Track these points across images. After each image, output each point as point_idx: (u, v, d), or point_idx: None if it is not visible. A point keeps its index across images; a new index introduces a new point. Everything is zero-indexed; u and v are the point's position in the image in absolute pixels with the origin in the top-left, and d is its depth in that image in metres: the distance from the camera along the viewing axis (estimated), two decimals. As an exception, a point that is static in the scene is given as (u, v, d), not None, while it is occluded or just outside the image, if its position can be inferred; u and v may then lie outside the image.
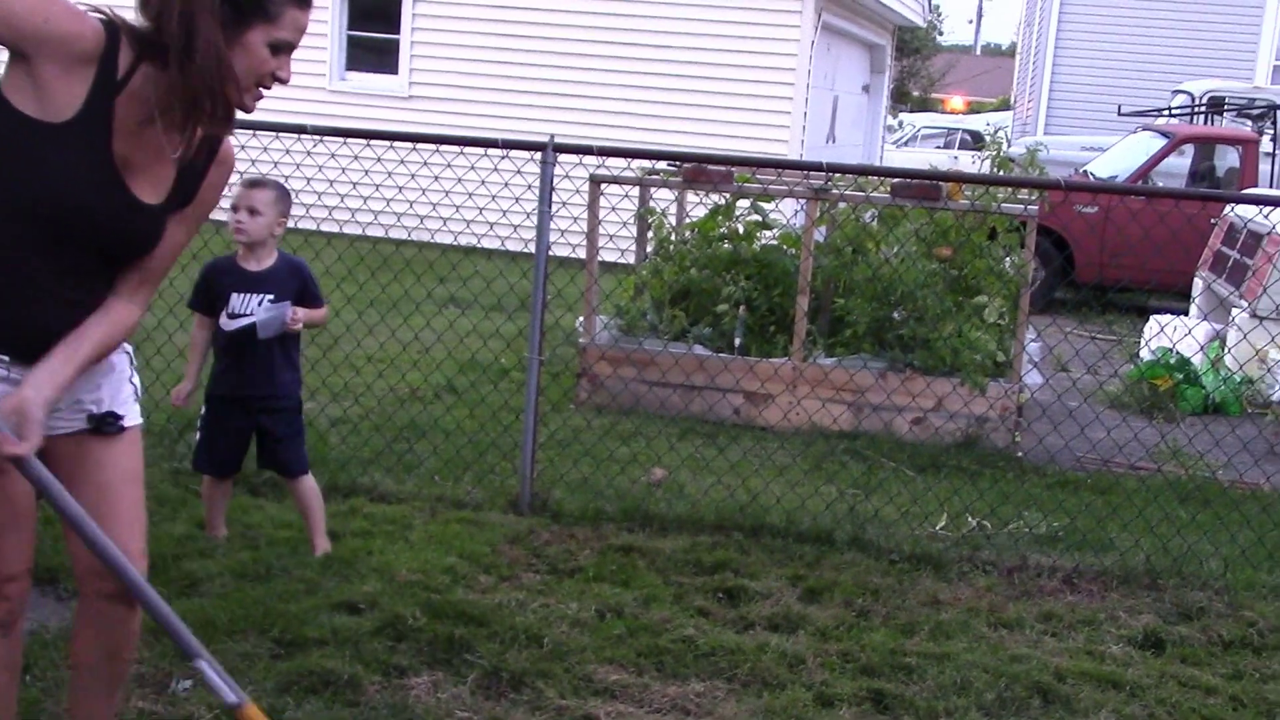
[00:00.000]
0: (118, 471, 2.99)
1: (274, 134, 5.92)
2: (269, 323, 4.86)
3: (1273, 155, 15.11)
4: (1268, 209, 9.33)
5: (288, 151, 6.19)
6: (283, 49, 2.71)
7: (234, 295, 4.91)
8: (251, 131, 5.75)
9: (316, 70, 15.42)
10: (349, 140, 6.24)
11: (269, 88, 2.75)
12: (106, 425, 2.94)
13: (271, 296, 4.90)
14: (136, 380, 3.06)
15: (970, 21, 67.39)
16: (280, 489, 5.56)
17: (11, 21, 2.52)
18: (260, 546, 5.07)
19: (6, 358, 2.74)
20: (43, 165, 2.60)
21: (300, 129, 5.90)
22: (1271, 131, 15.55)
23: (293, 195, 5.05)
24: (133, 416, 3.03)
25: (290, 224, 5.03)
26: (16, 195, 2.61)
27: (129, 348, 3.03)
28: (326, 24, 15.35)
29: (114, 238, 2.75)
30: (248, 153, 6.14)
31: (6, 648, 3.02)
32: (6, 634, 3.00)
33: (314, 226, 6.94)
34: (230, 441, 5.07)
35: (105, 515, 2.85)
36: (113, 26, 2.63)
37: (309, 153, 6.27)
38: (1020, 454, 7.42)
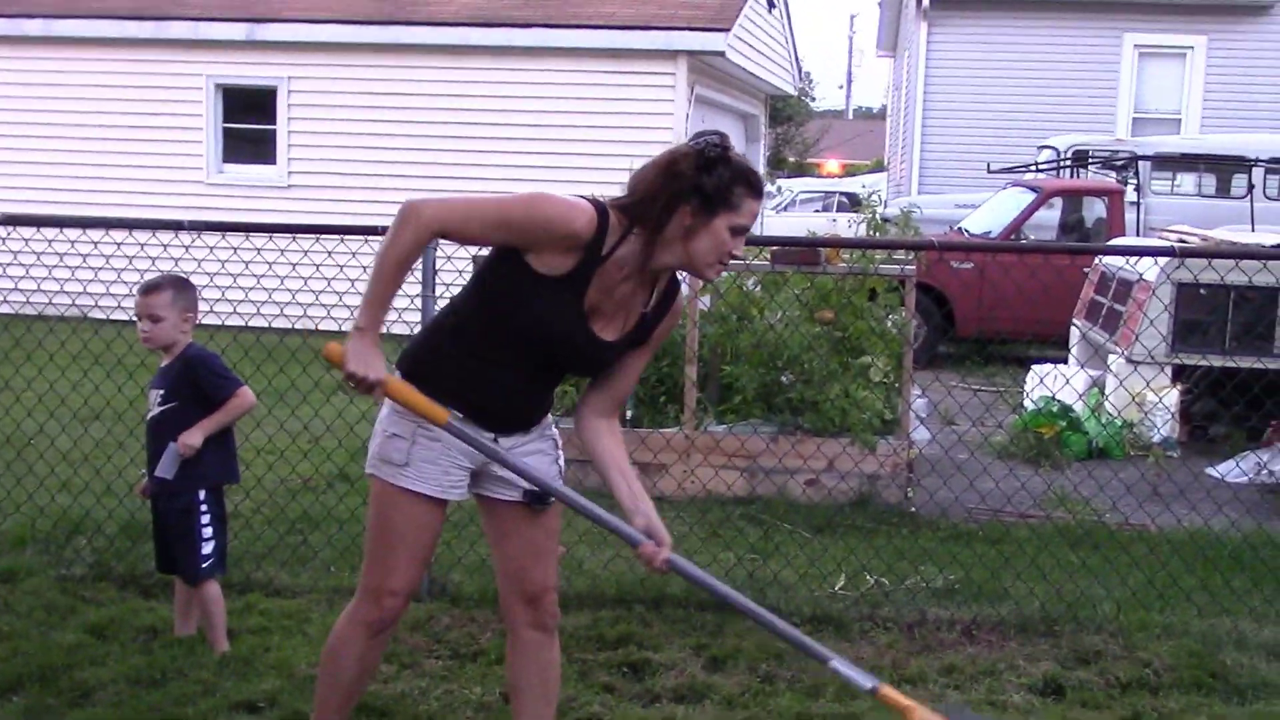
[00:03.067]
0: (546, 531, 3.80)
1: (150, 231, 5.87)
2: (166, 465, 4.82)
3: (1137, 204, 15.56)
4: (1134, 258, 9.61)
5: (165, 247, 6.13)
6: (740, 231, 3.37)
7: (150, 390, 4.96)
8: (128, 230, 5.71)
9: (193, 164, 15.36)
10: (228, 234, 6.19)
11: (726, 263, 3.43)
12: (539, 502, 3.70)
13: (163, 392, 4.88)
14: (561, 462, 3.80)
15: (841, 87, 68.71)
16: (173, 589, 5.46)
17: (515, 232, 3.34)
18: (155, 650, 4.97)
19: (492, 435, 3.55)
20: (535, 301, 3.38)
21: (178, 225, 5.84)
22: (1135, 181, 16.02)
23: (129, 289, 5.00)
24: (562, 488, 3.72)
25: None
26: (513, 320, 3.42)
27: (556, 432, 3.79)
28: (201, 117, 15.29)
29: (573, 360, 3.55)
30: (124, 250, 6.08)
31: (367, 648, 3.70)
32: (373, 637, 3.68)
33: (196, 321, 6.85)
34: (156, 537, 5.08)
35: (537, 560, 3.76)
36: (604, 210, 3.36)
37: (187, 248, 6.21)
38: (913, 509, 7.52)
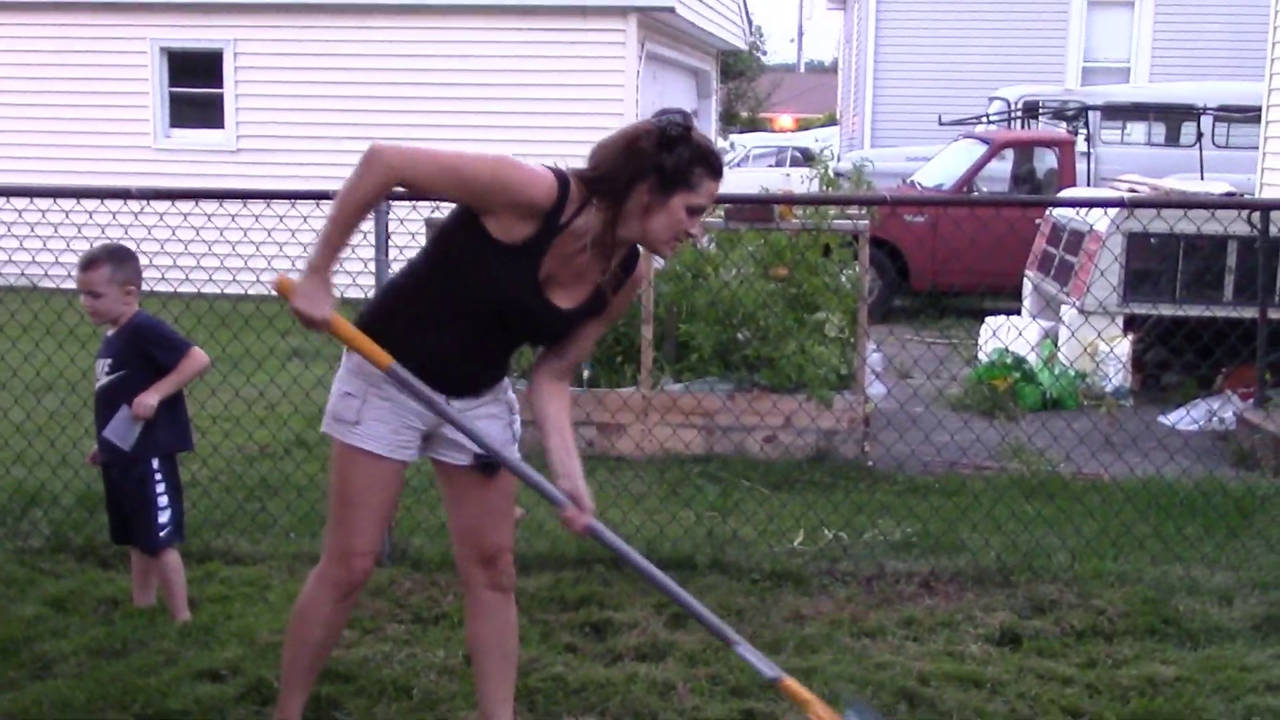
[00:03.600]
0: (500, 493, 3.81)
1: (99, 200, 5.80)
2: (118, 429, 4.80)
3: (1088, 154, 15.66)
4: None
5: (114, 215, 6.06)
6: (696, 211, 3.42)
7: (97, 360, 4.93)
8: (75, 199, 5.64)
9: (140, 130, 15.18)
10: (177, 201, 6.13)
11: (682, 240, 3.46)
12: (489, 466, 3.71)
13: (110, 361, 4.85)
14: (516, 427, 3.84)
15: (791, 40, 68.46)
16: (132, 560, 5.44)
17: (474, 192, 3.36)
18: (115, 621, 4.96)
19: (444, 397, 3.55)
20: (491, 269, 3.40)
21: (125, 193, 5.77)
22: (1085, 132, 16.11)
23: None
24: (510, 453, 3.73)
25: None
26: (469, 286, 3.44)
27: (513, 398, 3.83)
28: (147, 81, 15.10)
29: (527, 327, 3.57)
30: (73, 219, 6.02)
31: (334, 611, 3.75)
32: (340, 600, 3.72)
33: (146, 289, 6.80)
34: (109, 507, 5.05)
35: (493, 522, 3.80)
36: (565, 180, 3.38)
37: (136, 215, 6.15)
38: (870, 464, 7.57)
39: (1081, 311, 9.31)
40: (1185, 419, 8.76)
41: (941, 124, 17.96)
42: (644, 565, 3.76)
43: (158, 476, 4.91)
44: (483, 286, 3.43)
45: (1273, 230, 8.70)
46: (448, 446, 3.71)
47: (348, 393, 3.59)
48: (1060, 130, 16.49)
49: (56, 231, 6.09)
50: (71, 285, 6.14)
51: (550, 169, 3.42)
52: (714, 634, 3.79)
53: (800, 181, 19.87)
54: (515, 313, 3.50)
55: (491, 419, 3.73)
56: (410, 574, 5.55)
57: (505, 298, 3.45)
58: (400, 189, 3.40)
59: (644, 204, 3.37)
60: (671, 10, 14.72)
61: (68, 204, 5.80)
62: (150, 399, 4.78)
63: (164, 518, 4.92)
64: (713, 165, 3.41)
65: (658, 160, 3.34)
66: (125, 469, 4.89)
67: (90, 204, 5.88)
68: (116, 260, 4.84)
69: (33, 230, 6.02)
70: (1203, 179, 13.42)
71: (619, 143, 3.39)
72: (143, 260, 5.01)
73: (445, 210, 3.61)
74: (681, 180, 3.36)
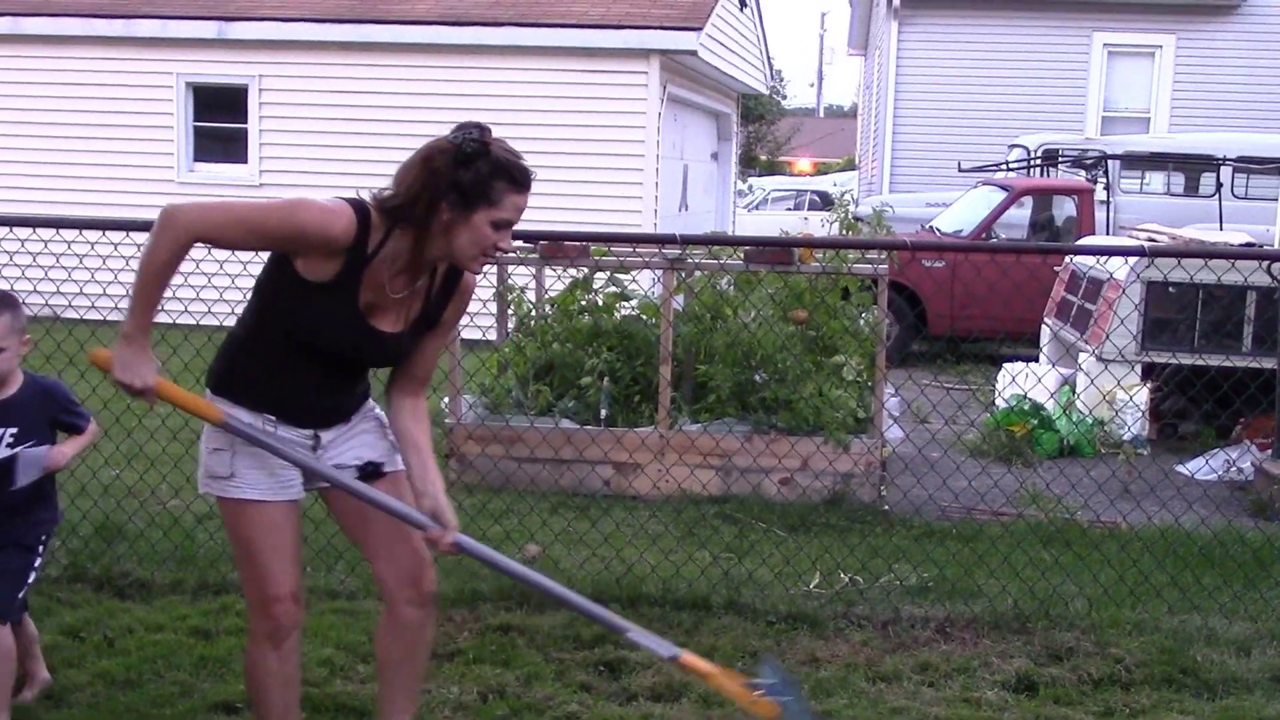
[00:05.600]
0: (400, 498, 3.68)
1: (124, 231, 5.84)
2: (27, 467, 4.17)
3: (1107, 203, 15.66)
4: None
5: (138, 247, 6.09)
6: (503, 226, 3.35)
7: None
8: (101, 231, 5.68)
9: (164, 163, 15.30)
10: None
11: (493, 256, 3.41)
12: (371, 473, 3.67)
13: (16, 430, 4.18)
14: (391, 438, 3.73)
15: (811, 85, 68.84)
16: (149, 590, 5.46)
17: (273, 241, 3.34)
18: (130, 652, 4.97)
19: (274, 417, 3.53)
20: (308, 311, 3.39)
21: (149, 225, 5.78)
22: (1104, 180, 16.12)
23: (102, 289, 4.83)
24: (393, 464, 3.72)
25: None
26: (293, 330, 3.43)
27: (381, 413, 3.75)
28: (172, 116, 15.23)
29: (362, 357, 3.55)
30: (98, 250, 6.06)
31: (278, 661, 3.68)
32: (277, 648, 3.66)
33: (170, 321, 6.83)
34: None
35: (404, 537, 3.69)
36: (364, 211, 3.34)
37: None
38: (886, 508, 7.56)
39: (1100, 359, 9.29)
40: (1203, 468, 8.73)
41: (961, 170, 17.99)
42: (515, 568, 3.77)
43: (41, 549, 4.33)
44: (309, 327, 3.43)
45: (1293, 281, 8.69)
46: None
47: (216, 448, 3.56)
48: (1079, 179, 16.50)
49: (81, 263, 6.14)
50: (94, 316, 6.20)
51: (348, 201, 3.38)
52: (604, 625, 3.83)
53: (819, 225, 19.95)
54: (346, 346, 3.48)
55: (366, 433, 3.72)
56: (426, 610, 5.54)
57: (332, 334, 3.44)
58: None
59: (445, 222, 3.31)
60: (694, 54, 14.80)
61: (93, 236, 5.83)
62: (69, 451, 4.27)
63: (22, 594, 4.33)
64: (515, 178, 3.35)
65: (454, 178, 3.28)
66: (22, 533, 4.25)
67: (115, 235, 5.91)
68: (12, 307, 4.16)
69: (57, 261, 6.07)
70: (1221, 229, 13.42)
71: (415, 164, 3.34)
72: (168, 294, 4.99)
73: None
74: (482, 196, 3.30)
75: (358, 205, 3.37)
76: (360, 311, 3.43)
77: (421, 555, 3.73)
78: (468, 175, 3.29)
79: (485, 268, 3.55)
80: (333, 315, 3.40)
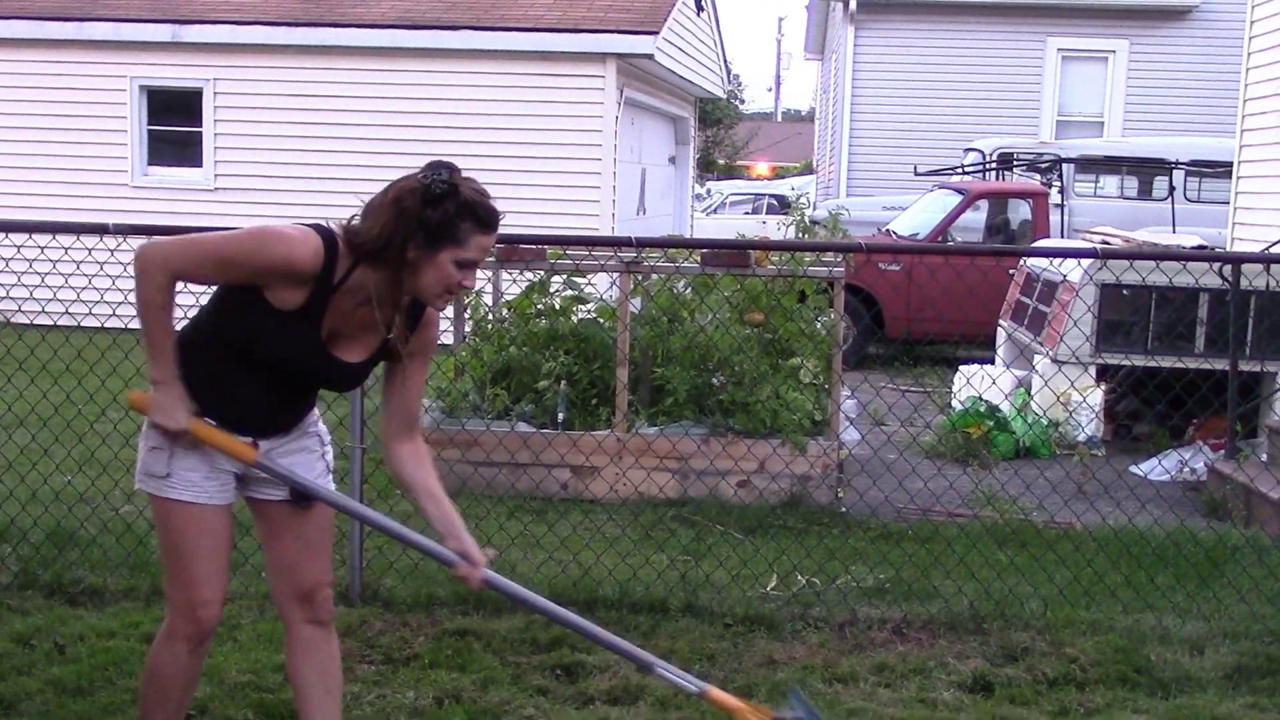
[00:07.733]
0: (317, 527, 3.77)
1: (75, 235, 5.79)
2: None
3: (1061, 206, 15.77)
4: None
5: (90, 251, 6.04)
6: (467, 265, 3.37)
7: None
8: (51, 235, 5.62)
9: (118, 167, 15.18)
10: (154, 238, 6.09)
11: (455, 294, 3.44)
12: (303, 500, 3.67)
13: None
14: (329, 458, 3.78)
15: (769, 89, 69.08)
16: (101, 597, 5.40)
17: (243, 274, 3.36)
18: (82, 659, 4.91)
19: (214, 421, 3.52)
20: (271, 335, 3.41)
21: (102, 228, 5.76)
22: (1059, 184, 16.23)
23: (99, 295, 4.82)
24: (325, 484, 3.75)
25: (96, 324, 4.84)
26: (259, 353, 3.45)
27: (323, 428, 3.79)
28: (125, 119, 15.11)
29: (319, 383, 3.62)
30: (48, 254, 6.00)
31: (191, 664, 3.69)
32: (193, 651, 3.67)
33: (122, 326, 6.78)
34: None
35: (310, 556, 3.74)
36: (331, 241, 3.36)
37: (113, 252, 6.13)
38: (843, 509, 7.57)
39: (1054, 361, 9.35)
40: (1157, 469, 8.80)
41: (917, 174, 18.08)
42: (548, 606, 3.81)
43: None
44: (267, 350, 3.45)
45: (1243, 283, 8.77)
46: (262, 483, 3.69)
47: (155, 447, 3.55)
48: (1034, 182, 16.61)
49: (31, 266, 6.07)
50: (45, 320, 6.13)
51: (315, 228, 3.40)
52: (633, 660, 3.84)
53: (777, 229, 19.97)
54: (302, 371, 3.52)
55: (303, 452, 3.71)
56: (381, 615, 5.52)
57: (290, 361, 3.47)
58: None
59: (410, 260, 3.33)
60: (650, 57, 14.80)
61: (43, 239, 5.77)
62: None
63: None
64: (482, 219, 3.36)
65: (421, 217, 3.29)
66: None
67: (66, 239, 5.86)
68: None
69: (7, 265, 6.00)
70: (1174, 232, 13.54)
71: (386, 205, 3.34)
72: (117, 296, 4.96)
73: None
74: (448, 236, 3.31)
75: (325, 234, 3.37)
76: (322, 340, 3.46)
77: (318, 577, 3.75)
78: (435, 215, 3.29)
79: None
80: (295, 342, 3.43)
